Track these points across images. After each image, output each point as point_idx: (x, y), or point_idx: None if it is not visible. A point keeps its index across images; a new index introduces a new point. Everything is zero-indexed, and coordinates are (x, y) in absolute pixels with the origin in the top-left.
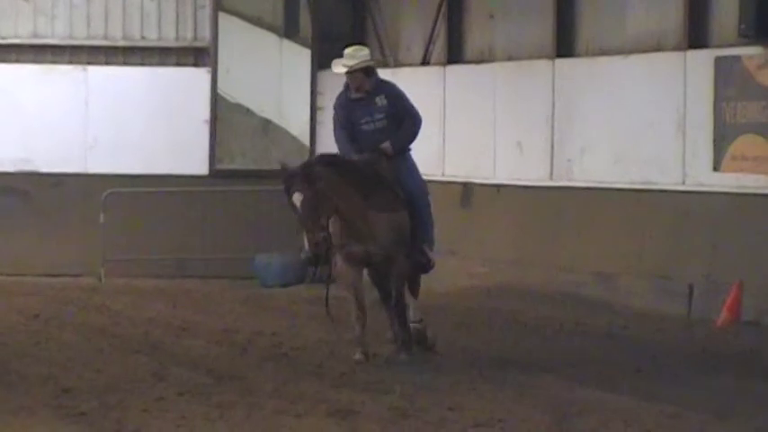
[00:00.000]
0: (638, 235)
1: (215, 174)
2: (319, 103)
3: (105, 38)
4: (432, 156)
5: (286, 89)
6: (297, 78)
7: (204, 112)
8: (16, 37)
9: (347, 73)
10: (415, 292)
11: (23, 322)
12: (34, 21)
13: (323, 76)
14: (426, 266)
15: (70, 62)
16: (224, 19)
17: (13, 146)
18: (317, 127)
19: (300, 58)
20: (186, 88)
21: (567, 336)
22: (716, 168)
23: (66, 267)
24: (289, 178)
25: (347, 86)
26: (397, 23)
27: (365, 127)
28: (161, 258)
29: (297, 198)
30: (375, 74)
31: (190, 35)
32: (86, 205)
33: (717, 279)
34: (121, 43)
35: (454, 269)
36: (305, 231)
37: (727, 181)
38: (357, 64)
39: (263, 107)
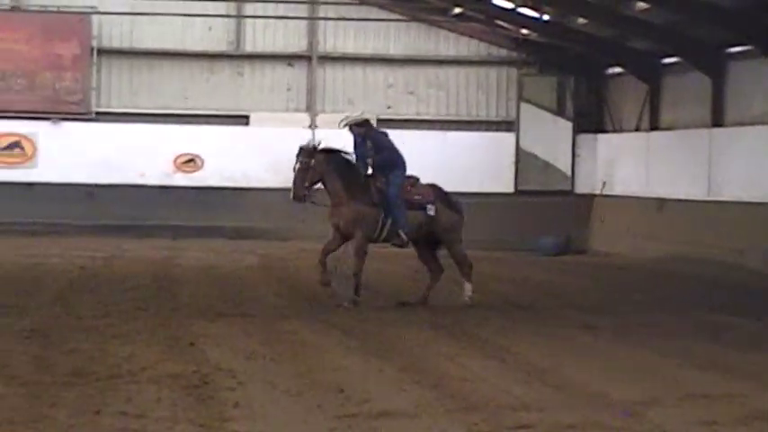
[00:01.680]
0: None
1: (518, 192)
2: (577, 152)
3: (456, 114)
4: (639, 181)
5: (559, 145)
6: (564, 138)
7: (511, 156)
8: (407, 114)
9: (346, 126)
10: (468, 276)
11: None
12: (417, 105)
13: (579, 137)
14: (402, 245)
15: (433, 129)
16: (523, 104)
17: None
18: (576, 166)
19: (566, 126)
20: (500, 144)
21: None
22: None
23: None
24: (299, 152)
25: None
26: (620, 106)
27: (367, 157)
28: (483, 240)
29: (296, 165)
30: (368, 126)
31: (503, 114)
32: None
33: None
34: (465, 118)
35: (651, 247)
36: (293, 187)
37: None
38: (346, 122)
39: (545, 155)
